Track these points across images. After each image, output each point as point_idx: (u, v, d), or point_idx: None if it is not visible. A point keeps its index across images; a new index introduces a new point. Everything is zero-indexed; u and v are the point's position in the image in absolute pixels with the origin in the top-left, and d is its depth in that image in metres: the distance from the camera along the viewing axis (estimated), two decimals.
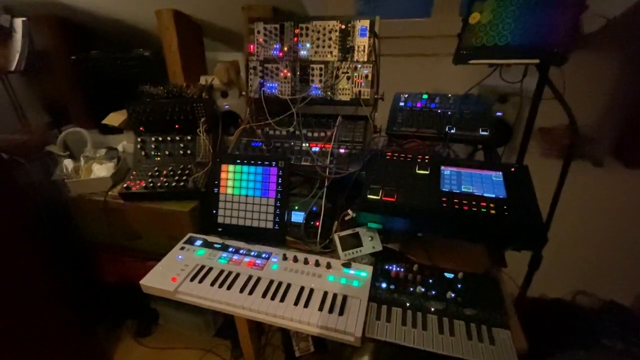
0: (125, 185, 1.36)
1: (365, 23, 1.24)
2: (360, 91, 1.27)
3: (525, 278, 1.27)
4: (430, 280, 0.94)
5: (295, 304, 0.89)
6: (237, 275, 0.99)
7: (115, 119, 1.51)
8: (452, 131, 1.18)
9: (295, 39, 1.30)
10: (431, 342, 0.79)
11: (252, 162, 1.15)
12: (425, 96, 1.33)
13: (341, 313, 0.85)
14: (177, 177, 1.37)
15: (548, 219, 1.13)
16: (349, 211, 1.08)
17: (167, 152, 1.44)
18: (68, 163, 1.48)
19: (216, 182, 1.18)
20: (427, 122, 1.23)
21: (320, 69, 1.29)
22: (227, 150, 1.32)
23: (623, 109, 1.34)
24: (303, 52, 1.30)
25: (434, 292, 0.91)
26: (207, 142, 1.40)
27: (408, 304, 0.89)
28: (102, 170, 1.47)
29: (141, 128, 1.47)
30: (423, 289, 0.91)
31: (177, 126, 1.44)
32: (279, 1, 1.54)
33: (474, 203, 0.89)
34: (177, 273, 0.99)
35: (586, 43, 1.29)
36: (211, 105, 1.46)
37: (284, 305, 0.88)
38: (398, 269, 0.97)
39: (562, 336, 1.10)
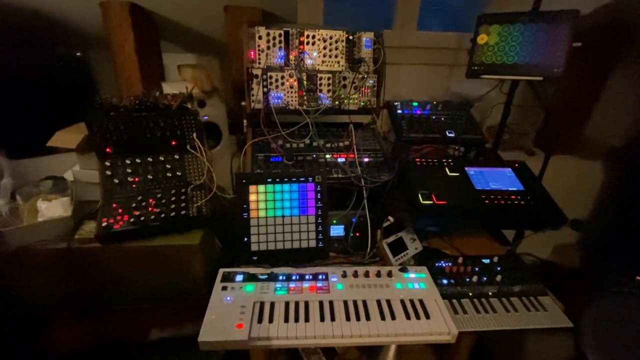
0: (102, 224, 1.07)
1: (370, 35, 1.28)
2: (369, 100, 1.31)
3: None
4: (477, 269, 1.06)
5: (383, 318, 0.88)
6: (307, 303, 0.91)
7: (67, 139, 1.16)
8: (452, 135, 1.33)
9: (302, 47, 1.24)
10: (507, 322, 0.91)
11: (286, 179, 1.07)
12: (415, 104, 1.46)
13: (428, 316, 0.89)
14: (173, 205, 1.15)
15: None
16: (390, 217, 1.12)
17: (149, 177, 1.18)
18: None
19: (244, 206, 1.05)
20: (429, 127, 1.36)
21: (328, 78, 1.28)
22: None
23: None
24: (309, 61, 1.26)
25: (485, 279, 1.03)
26: (204, 160, 1.21)
27: (470, 294, 0.99)
28: (54, 208, 1.11)
29: (108, 149, 1.17)
30: (476, 278, 1.02)
31: (164, 144, 1.20)
32: (264, 4, 1.43)
33: (505, 197, 1.05)
34: (238, 318, 0.85)
35: None
36: (198, 118, 1.26)
37: (375, 323, 0.87)
38: (447, 264, 1.06)
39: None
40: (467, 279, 1.02)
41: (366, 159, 1.20)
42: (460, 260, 1.07)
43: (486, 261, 1.08)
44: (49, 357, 1.22)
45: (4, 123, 1.39)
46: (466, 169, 1.14)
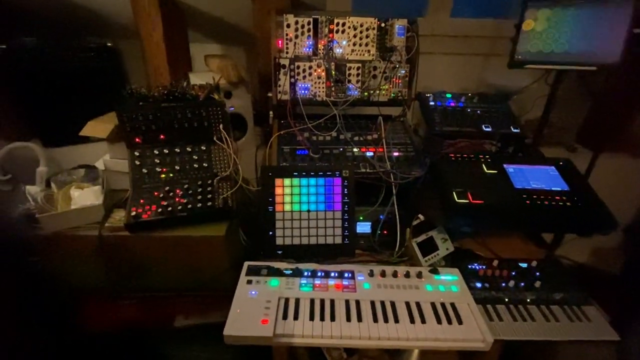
0: (132, 213, 1.08)
1: (403, 22, 1.21)
2: (400, 91, 1.25)
3: None
4: (514, 273, 0.99)
5: (412, 321, 0.84)
6: (332, 302, 0.88)
7: (98, 129, 1.17)
8: (489, 129, 1.25)
9: (331, 35, 1.20)
10: (547, 332, 0.84)
11: (312, 173, 1.03)
12: (449, 95, 1.39)
13: (460, 322, 0.85)
14: (200, 197, 1.14)
15: None
16: (420, 215, 1.07)
17: (176, 167, 1.19)
18: (34, 191, 1.10)
19: (270, 200, 1.03)
20: (464, 121, 1.28)
21: (358, 68, 1.22)
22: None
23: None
24: (339, 50, 1.21)
25: (522, 284, 0.96)
26: (230, 152, 1.20)
27: (507, 300, 0.93)
28: (86, 196, 1.14)
29: (137, 139, 1.18)
30: (513, 282, 0.96)
31: (191, 134, 1.20)
32: None
33: (549, 198, 0.97)
34: (263, 313, 0.84)
35: None
36: (225, 109, 1.25)
37: (403, 326, 0.83)
38: (481, 267, 1.00)
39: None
40: (503, 284, 0.96)
41: (396, 153, 1.15)
42: (495, 263, 1.01)
43: (524, 265, 1.02)
44: (80, 338, 1.27)
45: (39, 112, 1.44)
46: (505, 166, 1.06)
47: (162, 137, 1.19)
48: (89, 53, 1.46)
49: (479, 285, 0.95)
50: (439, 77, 1.75)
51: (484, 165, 1.06)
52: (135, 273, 1.19)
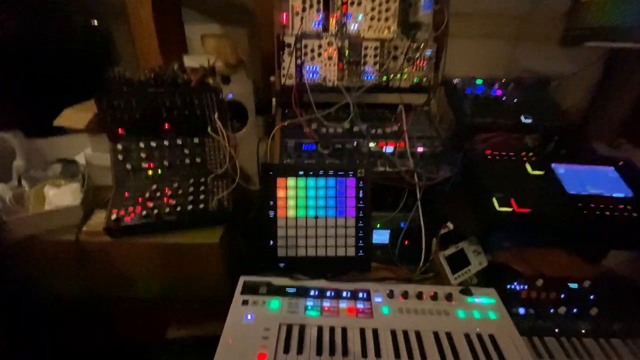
0: (112, 216, 0.94)
1: None
2: (425, 76, 1.07)
3: None
4: (563, 296, 0.82)
5: (443, 358, 0.68)
6: (344, 331, 0.73)
7: (75, 118, 1.03)
8: (529, 121, 1.06)
9: (345, 8, 1.01)
10: None
11: (321, 172, 0.87)
12: (479, 81, 1.20)
13: (502, 359, 0.68)
14: (191, 197, 0.99)
15: None
16: (449, 224, 0.89)
17: (165, 163, 1.03)
18: (1, 189, 0.97)
19: (271, 203, 0.87)
20: (499, 111, 1.09)
21: (376, 48, 1.04)
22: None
23: None
24: (353, 26, 1.03)
25: (575, 310, 0.79)
26: (227, 146, 1.04)
27: (557, 330, 0.76)
28: (63, 195, 1.00)
29: (120, 130, 1.03)
30: (565, 309, 0.79)
31: (182, 125, 1.04)
32: None
33: (611, 206, 0.79)
34: (261, 345, 0.69)
35: None
36: (221, 95, 1.08)
37: None
38: (522, 287, 0.84)
39: None
40: (552, 310, 0.79)
41: (420, 149, 0.98)
42: (539, 282, 0.84)
43: (574, 286, 0.84)
44: (60, 353, 1.15)
45: (19, 99, 1.29)
46: (553, 166, 0.88)
47: (148, 128, 1.04)
48: (75, 34, 1.31)
49: (522, 311, 0.79)
50: (462, 60, 1.55)
51: (528, 165, 0.88)
52: (120, 282, 1.06)
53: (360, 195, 0.87)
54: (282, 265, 0.87)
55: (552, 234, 0.81)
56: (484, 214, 0.80)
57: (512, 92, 1.16)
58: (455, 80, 1.18)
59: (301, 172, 0.87)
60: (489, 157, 0.90)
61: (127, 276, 1.04)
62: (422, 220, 0.89)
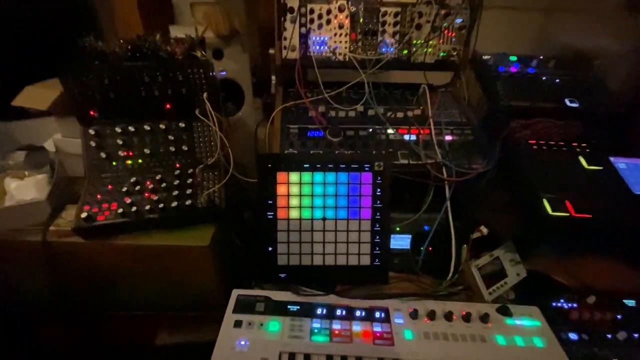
0: (83, 214, 0.79)
1: None
2: (453, 49, 0.89)
3: None
4: (619, 317, 0.68)
5: None
6: None
7: (37, 97, 0.86)
8: (576, 104, 0.90)
9: None
10: None
11: (331, 165, 0.72)
12: (513, 58, 1.02)
13: None
14: (177, 192, 0.85)
15: None
16: (482, 228, 0.75)
17: (146, 151, 0.88)
18: None
19: (270, 202, 0.72)
20: (539, 92, 0.93)
21: (396, 14, 0.87)
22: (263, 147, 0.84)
23: None
24: None
25: (636, 335, 0.66)
26: (217, 131, 0.88)
27: None
28: (26, 188, 0.85)
29: (91, 112, 0.87)
30: (625, 334, 0.65)
31: (166, 107, 0.88)
32: None
33: None
34: None
35: None
36: (211, 72, 0.92)
37: None
38: (570, 304, 0.70)
39: None
40: (609, 335, 0.65)
41: (448, 137, 0.82)
42: (591, 299, 0.70)
43: (631, 304, 0.70)
44: None
45: None
46: (612, 159, 0.73)
47: (126, 109, 0.88)
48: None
49: (573, 336, 0.65)
50: (491, 35, 1.37)
51: (582, 159, 0.72)
52: (98, 287, 0.93)
53: (378, 193, 0.72)
54: (283, 276, 0.73)
55: (612, 243, 0.66)
56: (532, 219, 0.65)
57: (552, 70, 0.99)
58: (486, 57, 1.01)
59: (306, 165, 0.71)
60: (533, 147, 0.74)
61: (106, 281, 0.91)
62: (451, 224, 0.74)
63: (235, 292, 0.70)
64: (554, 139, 0.80)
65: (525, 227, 0.68)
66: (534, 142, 0.75)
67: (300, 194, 0.72)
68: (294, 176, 0.72)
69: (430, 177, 0.75)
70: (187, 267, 0.86)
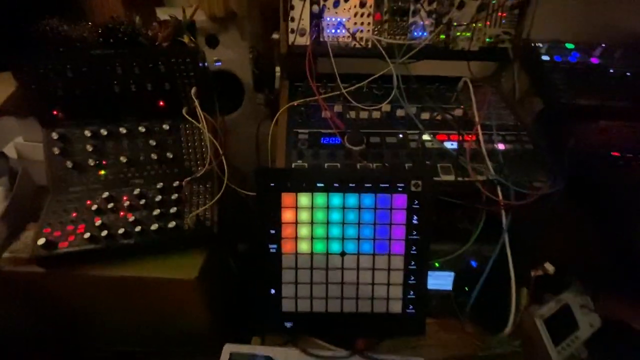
0: (41, 239, 0.63)
1: None
2: (503, 33, 0.71)
3: None
4: None
5: None
6: None
7: None
8: None
9: None
10: None
11: (352, 185, 0.55)
12: (570, 46, 0.84)
13: None
14: (158, 211, 0.68)
15: None
16: (547, 265, 0.58)
17: (122, 160, 0.72)
18: None
19: (272, 232, 0.55)
20: (606, 88, 0.75)
21: None
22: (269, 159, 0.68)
23: None
24: None
25: None
26: (207, 134, 0.71)
27: None
28: None
29: (54, 111, 0.71)
30: None
31: (145, 105, 0.72)
32: None
33: None
34: None
35: None
36: (202, 62, 0.75)
37: None
38: None
39: None
40: None
41: (501, 146, 0.64)
42: None
43: None
44: None
45: None
46: None
47: (97, 108, 0.72)
48: None
49: None
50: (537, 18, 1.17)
51: None
52: (70, 322, 0.78)
53: (414, 221, 0.55)
54: (289, 325, 0.57)
55: None
56: (629, 258, 0.47)
57: (619, 61, 0.81)
58: (539, 44, 0.82)
59: (320, 184, 0.54)
60: (619, 161, 0.56)
61: (81, 315, 0.76)
62: (510, 259, 0.56)
63: (228, 348, 0.55)
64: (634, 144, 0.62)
65: (619, 269, 0.51)
66: (618, 154, 0.57)
67: (312, 222, 0.55)
68: (303, 198, 0.55)
69: (480, 199, 0.58)
70: (172, 302, 0.71)
